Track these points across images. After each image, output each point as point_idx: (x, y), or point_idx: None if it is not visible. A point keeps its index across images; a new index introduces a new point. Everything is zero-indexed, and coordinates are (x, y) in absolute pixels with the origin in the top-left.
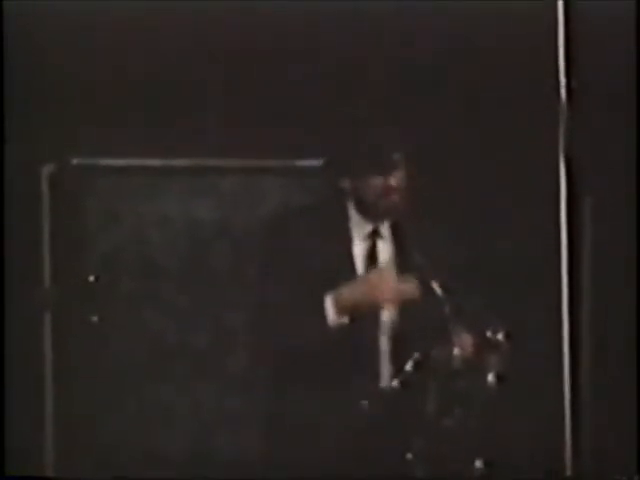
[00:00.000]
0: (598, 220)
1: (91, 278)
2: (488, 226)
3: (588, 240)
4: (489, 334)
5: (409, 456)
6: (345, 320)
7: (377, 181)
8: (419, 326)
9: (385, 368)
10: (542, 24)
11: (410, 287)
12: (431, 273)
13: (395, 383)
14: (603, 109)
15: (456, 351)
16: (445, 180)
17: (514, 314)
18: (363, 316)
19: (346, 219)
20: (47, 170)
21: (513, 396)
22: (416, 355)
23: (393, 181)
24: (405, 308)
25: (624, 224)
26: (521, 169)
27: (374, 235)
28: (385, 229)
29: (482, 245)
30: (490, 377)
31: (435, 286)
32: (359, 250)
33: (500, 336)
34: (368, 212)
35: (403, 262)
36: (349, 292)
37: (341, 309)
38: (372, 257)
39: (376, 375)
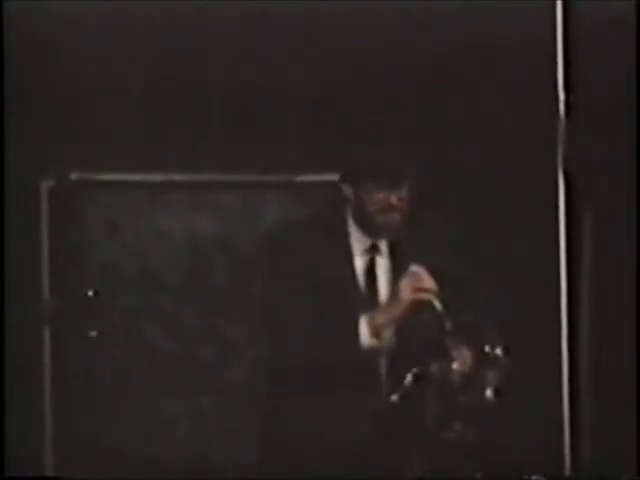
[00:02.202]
0: (597, 233)
1: (90, 292)
2: (487, 240)
3: (587, 253)
4: (487, 349)
5: (409, 470)
6: (378, 342)
7: (379, 196)
8: (418, 341)
9: (384, 382)
10: (541, 41)
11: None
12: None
13: (394, 398)
14: (602, 124)
15: (455, 365)
16: (445, 195)
17: (514, 328)
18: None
19: (346, 234)
20: (46, 185)
21: (512, 407)
22: (415, 370)
23: (395, 198)
24: (404, 323)
25: (623, 237)
26: (520, 183)
27: (373, 250)
28: (383, 244)
29: (481, 259)
30: (488, 392)
31: (435, 301)
32: (358, 265)
33: (498, 351)
34: (368, 227)
35: (399, 275)
36: (380, 312)
37: (374, 330)
38: (371, 272)
39: (375, 389)
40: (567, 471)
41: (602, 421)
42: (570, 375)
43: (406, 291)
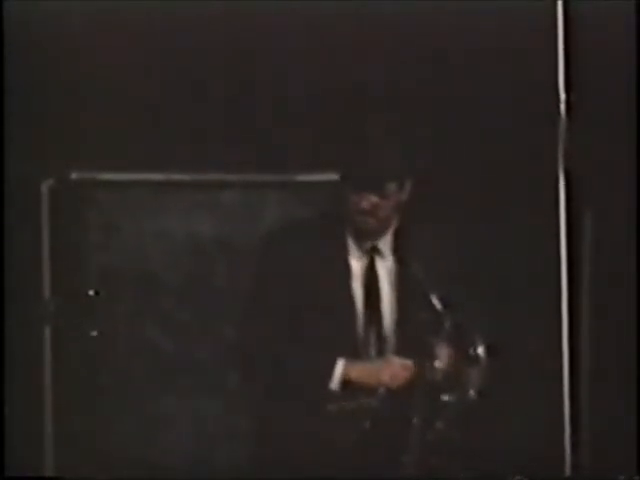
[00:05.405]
0: (598, 232)
1: (91, 292)
2: (488, 239)
3: (587, 252)
4: (471, 350)
5: (396, 469)
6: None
7: (376, 197)
8: (404, 339)
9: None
10: (541, 41)
11: (409, 372)
12: (428, 287)
13: (379, 396)
14: (602, 123)
15: (439, 364)
16: (445, 194)
17: (514, 327)
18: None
19: (345, 234)
20: (47, 185)
21: (511, 408)
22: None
23: (391, 198)
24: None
25: (624, 236)
26: (521, 182)
27: (372, 251)
28: (383, 245)
29: (482, 258)
30: (472, 392)
31: (435, 300)
32: (358, 265)
33: (480, 350)
34: (366, 228)
35: (400, 276)
36: (358, 371)
37: (345, 381)
38: (371, 272)
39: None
40: (567, 471)
41: (602, 421)
42: (570, 375)
43: (387, 375)
